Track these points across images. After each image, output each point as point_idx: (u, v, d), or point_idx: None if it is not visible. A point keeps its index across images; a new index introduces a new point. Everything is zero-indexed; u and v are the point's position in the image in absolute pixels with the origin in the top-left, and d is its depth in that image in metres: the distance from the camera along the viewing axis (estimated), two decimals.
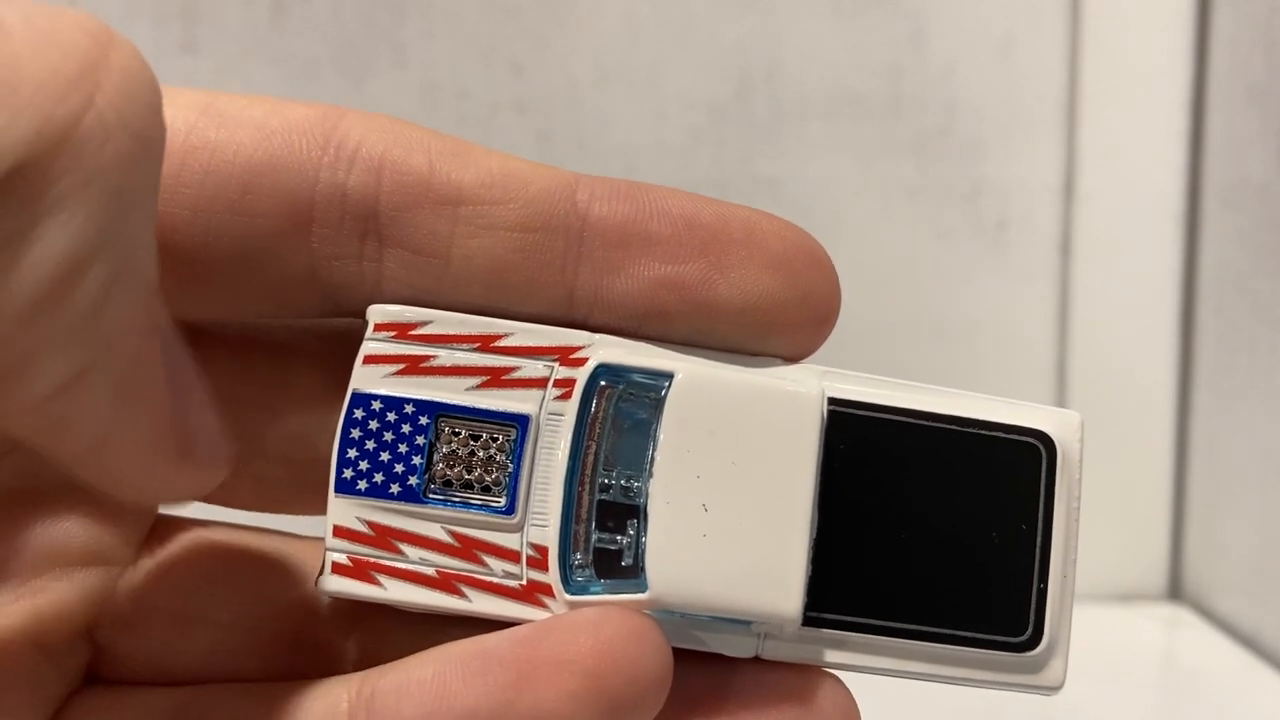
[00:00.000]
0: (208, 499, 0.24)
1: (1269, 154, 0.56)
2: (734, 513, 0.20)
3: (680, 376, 0.21)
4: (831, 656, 0.21)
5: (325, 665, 0.22)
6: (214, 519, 0.24)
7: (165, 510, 0.24)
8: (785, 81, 0.62)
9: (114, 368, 0.18)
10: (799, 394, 0.21)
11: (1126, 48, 0.62)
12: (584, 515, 0.21)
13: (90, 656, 0.23)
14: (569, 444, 0.21)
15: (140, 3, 0.60)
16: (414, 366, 0.21)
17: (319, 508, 0.22)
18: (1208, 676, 0.56)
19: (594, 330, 0.22)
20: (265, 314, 0.22)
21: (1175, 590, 0.64)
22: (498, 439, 0.21)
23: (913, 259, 0.63)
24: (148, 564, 0.23)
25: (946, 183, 0.63)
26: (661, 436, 0.21)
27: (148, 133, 0.17)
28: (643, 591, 0.20)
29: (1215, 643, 0.58)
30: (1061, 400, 0.64)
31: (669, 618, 0.20)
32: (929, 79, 0.63)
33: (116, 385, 0.18)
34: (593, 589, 0.21)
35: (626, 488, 0.21)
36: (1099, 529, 0.61)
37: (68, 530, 0.22)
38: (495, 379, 0.21)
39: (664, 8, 0.62)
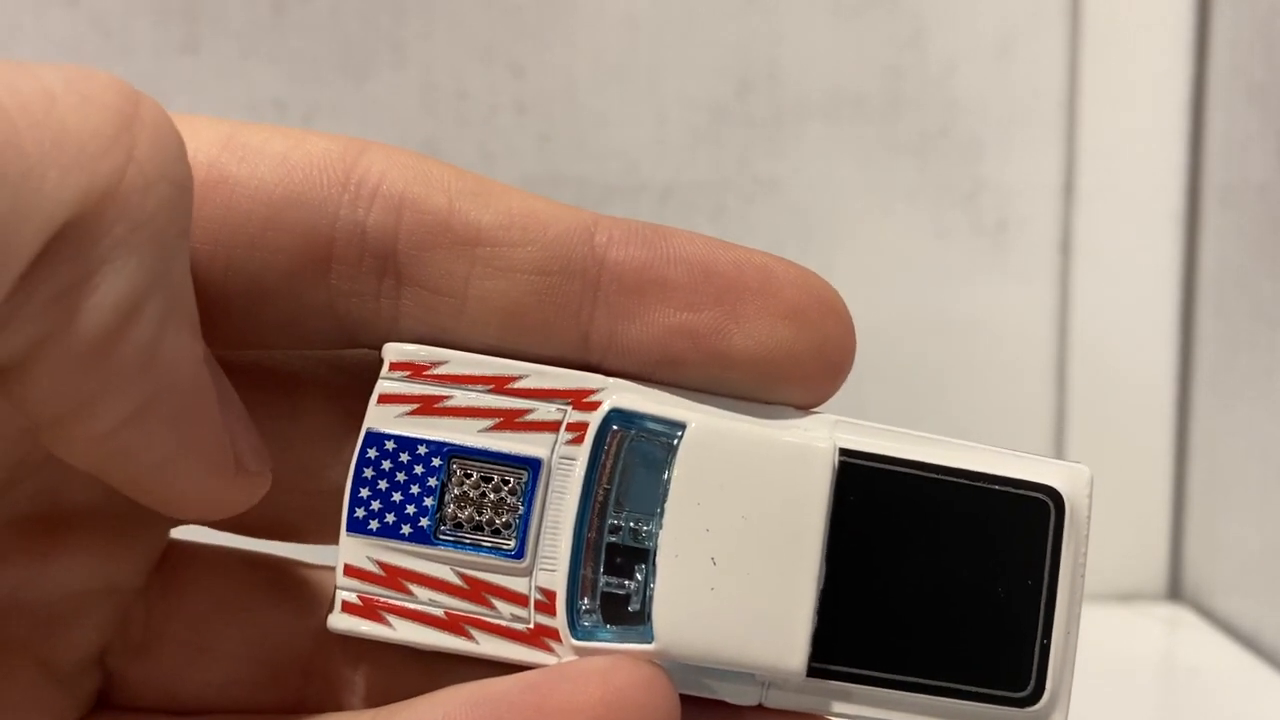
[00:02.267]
0: (218, 526, 0.24)
1: (1269, 154, 0.56)
2: (742, 567, 0.20)
3: (692, 427, 0.21)
4: (835, 706, 0.21)
5: (335, 699, 0.23)
6: (225, 547, 0.24)
7: (175, 535, 0.25)
8: (785, 81, 0.62)
9: (172, 398, 0.19)
10: (811, 448, 0.21)
11: (1126, 48, 0.62)
12: (592, 561, 0.21)
13: (101, 683, 0.23)
14: (580, 489, 0.21)
15: (140, 3, 0.60)
16: (428, 406, 0.21)
17: (329, 537, 0.22)
18: (1208, 676, 0.56)
19: (608, 374, 0.21)
20: (280, 345, 0.22)
21: (1175, 590, 0.64)
22: (509, 482, 0.21)
23: (913, 259, 0.63)
24: (159, 592, 0.23)
25: (946, 183, 0.63)
26: (672, 488, 0.21)
27: (181, 180, 0.18)
28: (649, 643, 0.20)
29: (1215, 643, 0.59)
30: (1061, 400, 0.64)
31: (675, 665, 0.20)
32: (929, 79, 0.63)
33: (174, 414, 0.19)
34: (599, 635, 0.21)
35: (636, 530, 0.21)
36: (1099, 529, 0.61)
37: (81, 557, 0.22)
38: (508, 421, 0.21)
39: (664, 8, 0.62)
